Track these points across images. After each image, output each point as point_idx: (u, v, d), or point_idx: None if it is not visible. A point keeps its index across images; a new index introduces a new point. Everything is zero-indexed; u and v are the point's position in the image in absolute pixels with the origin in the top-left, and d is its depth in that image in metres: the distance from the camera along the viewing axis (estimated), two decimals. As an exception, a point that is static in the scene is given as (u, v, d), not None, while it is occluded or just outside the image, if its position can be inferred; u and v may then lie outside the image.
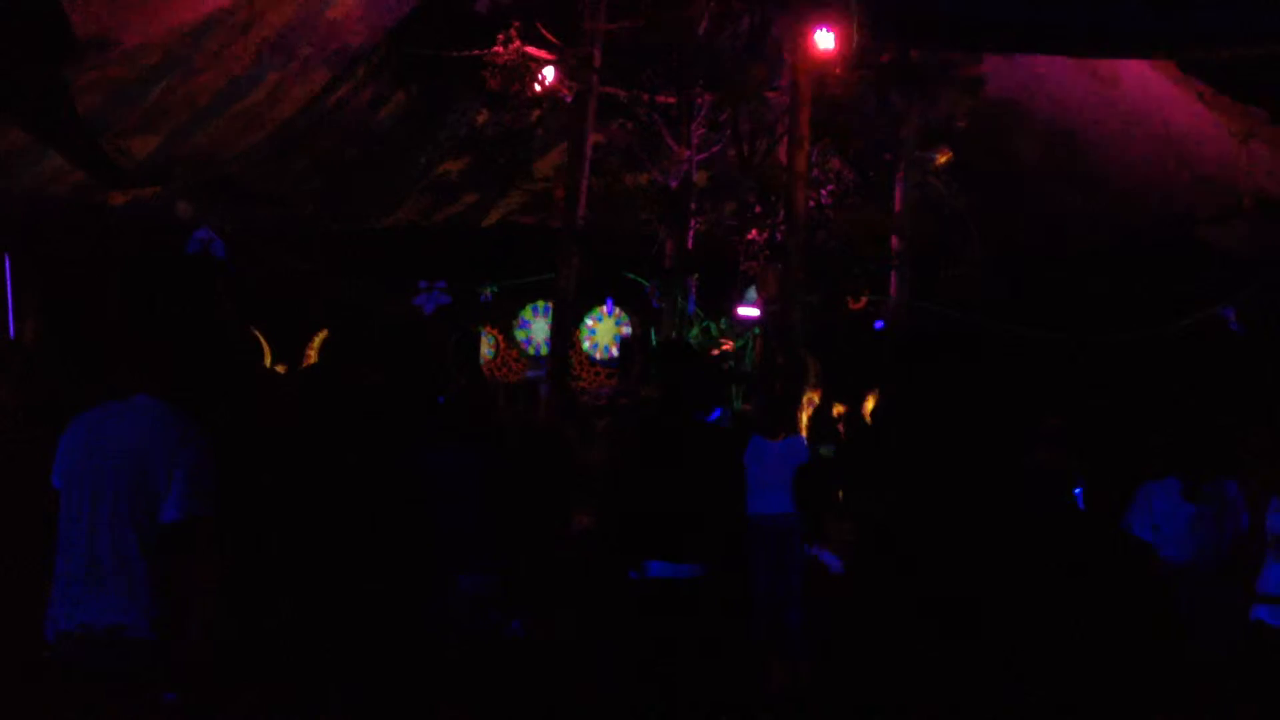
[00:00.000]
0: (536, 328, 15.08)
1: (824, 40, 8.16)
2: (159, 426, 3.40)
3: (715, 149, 10.25)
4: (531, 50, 9.50)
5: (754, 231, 9.95)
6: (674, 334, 9.79)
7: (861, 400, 9.68)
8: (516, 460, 5.63)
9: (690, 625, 4.05)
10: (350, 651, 4.94)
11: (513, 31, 9.40)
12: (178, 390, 3.57)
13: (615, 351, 14.65)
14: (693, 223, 10.01)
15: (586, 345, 14.89)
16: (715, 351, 9.63)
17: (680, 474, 4.25)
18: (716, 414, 7.70)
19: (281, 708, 4.35)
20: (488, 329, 15.03)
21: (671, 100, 9.88)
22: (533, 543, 5.30)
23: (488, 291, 11.00)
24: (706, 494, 4.20)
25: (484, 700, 5.08)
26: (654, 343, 10.11)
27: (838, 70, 8.88)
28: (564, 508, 5.64)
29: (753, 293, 9.91)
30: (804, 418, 7.84)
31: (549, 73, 9.56)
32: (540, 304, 14.73)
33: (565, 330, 10.39)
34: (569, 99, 9.86)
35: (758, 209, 9.92)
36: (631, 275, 10.30)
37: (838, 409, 10.97)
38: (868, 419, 7.73)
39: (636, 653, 4.15)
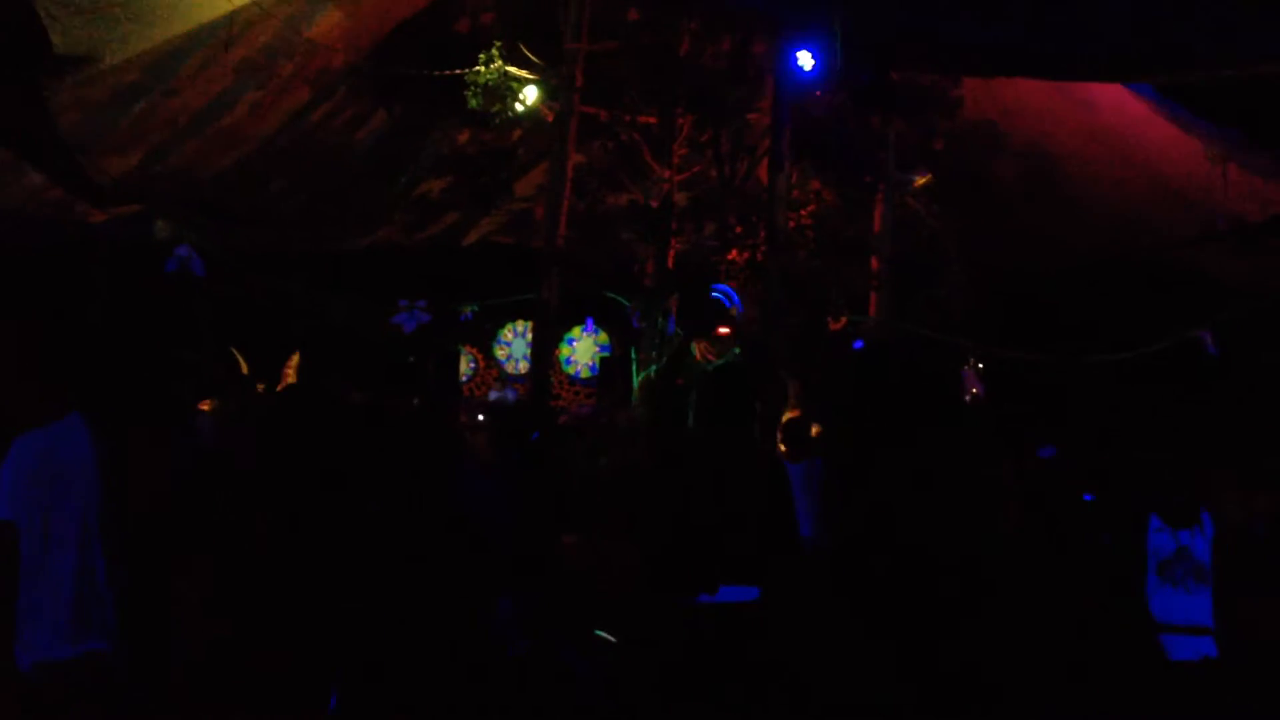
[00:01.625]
0: (516, 347, 15.09)
1: (805, 61, 8.21)
2: (95, 447, 3.33)
3: (696, 169, 10.28)
4: (513, 70, 9.52)
5: (734, 252, 9.98)
6: (654, 354, 9.79)
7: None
8: (512, 481, 5.62)
9: (756, 648, 4.01)
10: (381, 675, 4.91)
11: (494, 51, 9.42)
12: (109, 409, 3.49)
13: (595, 370, 14.66)
14: (673, 243, 10.03)
15: (566, 365, 14.90)
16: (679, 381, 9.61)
17: (740, 494, 4.21)
18: None
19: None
20: (467, 348, 15.03)
21: (653, 121, 9.92)
22: (538, 564, 5.29)
23: (468, 310, 10.97)
24: (766, 514, 4.16)
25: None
26: (634, 363, 10.12)
27: (818, 92, 8.94)
28: (556, 528, 5.63)
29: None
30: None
31: (530, 93, 9.58)
32: (520, 323, 14.74)
33: (545, 350, 10.38)
34: (550, 119, 9.88)
35: (738, 229, 9.96)
36: (612, 295, 10.30)
37: (815, 429, 10.98)
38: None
39: (698, 677, 4.10)
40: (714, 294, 9.07)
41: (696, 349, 8.93)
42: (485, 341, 15.31)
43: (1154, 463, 4.82)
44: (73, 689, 3.26)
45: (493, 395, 12.03)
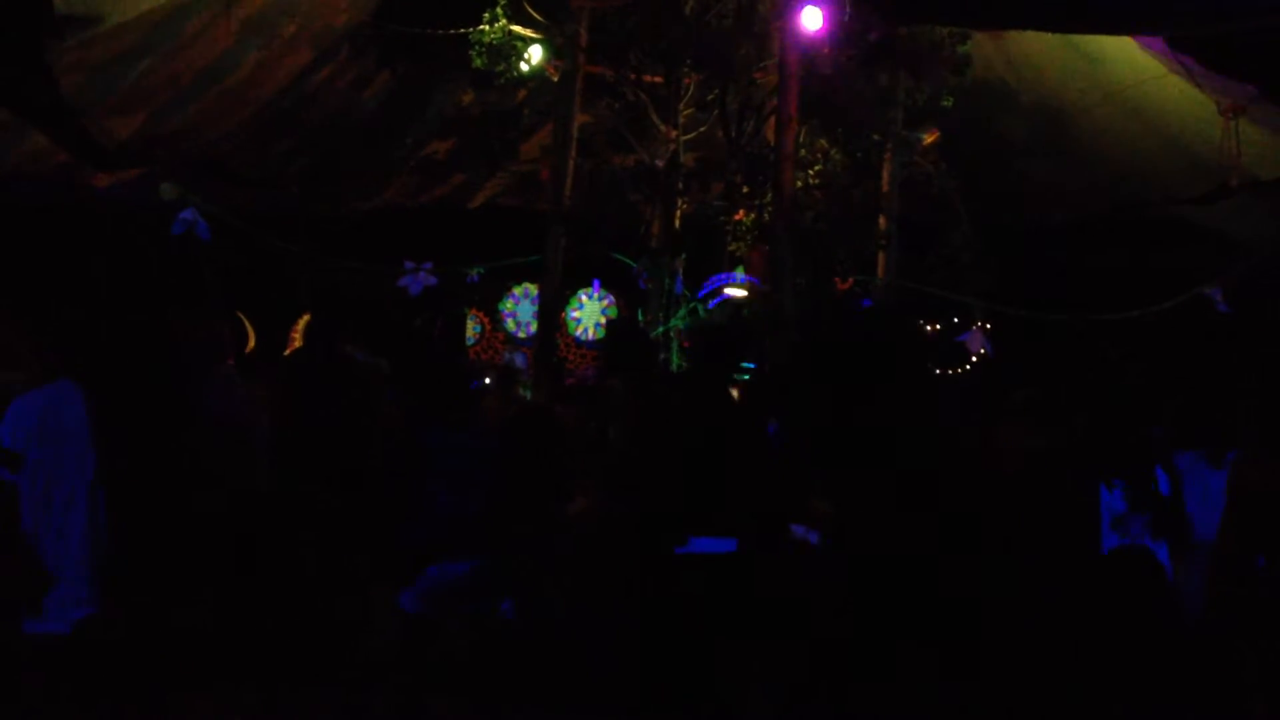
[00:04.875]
0: (523, 309, 15.05)
1: (812, 18, 8.12)
2: (89, 410, 3.31)
3: (703, 129, 10.20)
4: (518, 29, 9.45)
5: (741, 212, 9.92)
6: (661, 315, 9.75)
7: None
8: (510, 442, 5.61)
9: (732, 601, 4.01)
10: (340, 636, 4.91)
11: (499, 10, 9.34)
12: (108, 372, 3.47)
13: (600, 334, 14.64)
14: (680, 203, 9.97)
15: (573, 327, 14.88)
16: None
17: (714, 450, 4.21)
18: None
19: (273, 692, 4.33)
20: (473, 311, 15.01)
21: (659, 80, 9.83)
22: (529, 525, 5.29)
23: (474, 273, 10.94)
24: (742, 468, 4.16)
25: (478, 685, 5.06)
26: (640, 324, 10.08)
27: (826, 49, 8.85)
28: (558, 489, 5.61)
29: (740, 273, 9.89)
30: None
31: (535, 52, 9.50)
32: (526, 286, 14.70)
33: (551, 312, 10.35)
34: (555, 79, 9.81)
35: (745, 189, 9.89)
36: (618, 256, 10.25)
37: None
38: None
39: (672, 628, 4.11)
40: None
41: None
42: (492, 304, 15.29)
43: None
44: (85, 652, 3.26)
45: (505, 357, 12.05)
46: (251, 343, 7.28)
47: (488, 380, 9.93)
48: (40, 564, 3.28)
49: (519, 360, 11.34)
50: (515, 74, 9.60)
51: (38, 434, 3.33)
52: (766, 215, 9.33)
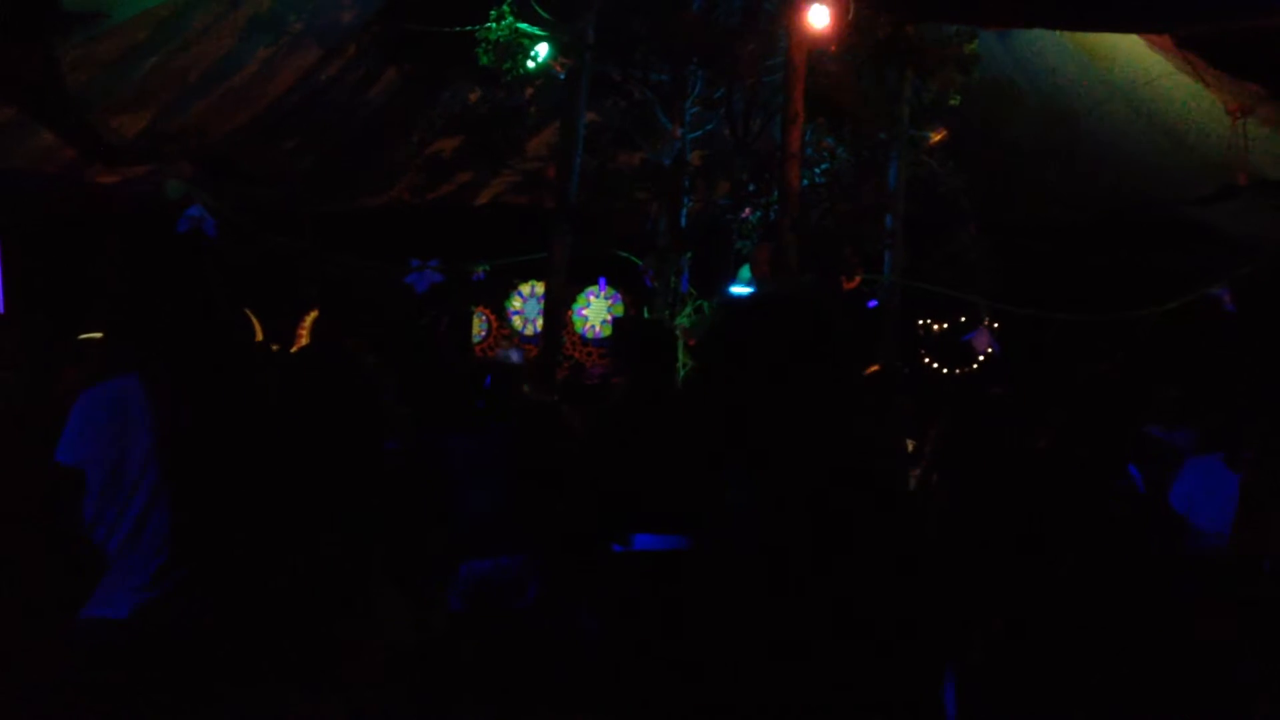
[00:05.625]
0: (529, 307, 15.07)
1: (819, 16, 8.11)
2: (151, 401, 3.36)
3: (709, 127, 10.20)
4: (524, 27, 9.44)
5: (747, 210, 9.92)
6: (667, 313, 9.76)
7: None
8: (525, 440, 5.62)
9: (677, 597, 4.01)
10: (364, 636, 4.93)
11: (505, 7, 9.34)
12: (176, 366, 3.53)
13: (606, 331, 14.64)
14: (686, 201, 9.96)
15: (579, 324, 14.89)
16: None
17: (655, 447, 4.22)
18: None
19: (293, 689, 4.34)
20: (480, 309, 15.03)
21: (665, 78, 9.83)
22: (548, 523, 5.30)
23: (480, 271, 10.94)
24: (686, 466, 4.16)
25: (501, 681, 5.07)
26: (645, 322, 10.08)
27: (832, 47, 8.83)
28: (561, 487, 5.62)
29: (746, 272, 9.88)
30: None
31: (542, 49, 9.50)
32: (533, 283, 14.71)
33: (557, 309, 10.36)
34: (562, 76, 9.81)
35: (751, 187, 9.89)
36: (624, 254, 10.26)
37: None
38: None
39: (627, 626, 4.12)
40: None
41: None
42: (498, 302, 15.31)
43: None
44: (141, 638, 3.28)
45: (498, 354, 12.01)
46: (259, 339, 7.29)
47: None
48: (97, 552, 3.32)
49: (515, 356, 11.33)
50: (522, 72, 9.59)
51: (107, 426, 3.37)
52: (772, 213, 9.33)
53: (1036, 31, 9.73)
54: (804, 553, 2.01)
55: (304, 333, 10.33)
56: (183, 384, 3.47)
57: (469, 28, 9.47)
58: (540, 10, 9.48)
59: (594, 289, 14.82)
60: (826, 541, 2.00)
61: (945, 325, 15.78)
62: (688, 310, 9.74)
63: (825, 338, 2.08)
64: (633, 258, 10.12)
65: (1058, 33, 9.56)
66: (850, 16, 8.25)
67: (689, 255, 9.93)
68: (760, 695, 2.01)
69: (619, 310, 14.67)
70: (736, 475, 2.15)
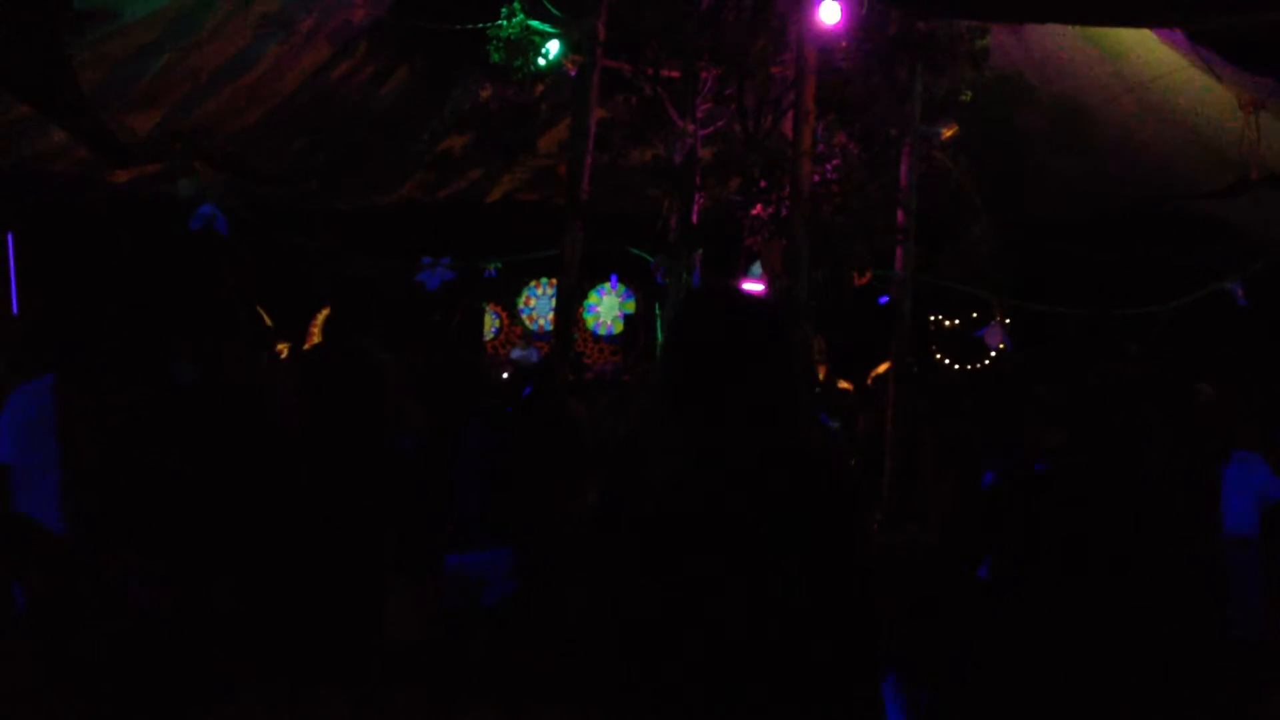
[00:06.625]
0: (540, 304, 15.08)
1: (829, 12, 8.10)
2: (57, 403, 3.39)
3: (720, 124, 10.18)
4: (535, 24, 9.44)
5: (759, 207, 9.89)
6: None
7: (868, 374, 9.63)
8: (526, 437, 5.64)
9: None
10: (353, 630, 4.93)
11: (515, 4, 9.34)
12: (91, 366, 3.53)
13: (618, 328, 14.64)
14: (697, 198, 9.95)
15: (590, 321, 14.90)
16: None
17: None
18: None
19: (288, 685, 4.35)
20: (492, 306, 15.04)
21: (676, 75, 9.81)
22: (544, 518, 5.31)
23: (492, 268, 10.95)
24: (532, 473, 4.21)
25: (494, 674, 5.08)
26: (658, 319, 10.08)
27: (843, 42, 8.82)
28: (574, 483, 5.64)
29: (757, 268, 9.86)
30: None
31: (553, 46, 9.50)
32: (544, 280, 14.73)
33: (569, 306, 10.36)
34: (573, 73, 9.80)
35: (762, 184, 9.85)
36: (636, 251, 10.25)
37: (843, 384, 10.93)
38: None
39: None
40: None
41: None
42: (509, 299, 15.32)
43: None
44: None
45: (515, 354, 12.04)
46: (270, 336, 7.32)
47: (505, 376, 9.93)
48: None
49: (533, 356, 11.32)
50: (533, 69, 9.59)
51: (29, 421, 3.43)
52: (784, 209, 9.31)
53: (1048, 26, 9.69)
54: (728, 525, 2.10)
55: (315, 330, 10.35)
56: (110, 388, 3.48)
57: (480, 25, 9.48)
58: (551, 7, 9.48)
59: (605, 286, 14.82)
60: (749, 515, 2.08)
61: (957, 321, 15.76)
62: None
63: (743, 329, 2.26)
64: (644, 254, 10.11)
65: (1069, 27, 9.51)
66: (861, 13, 8.23)
67: (700, 252, 9.91)
68: (693, 671, 2.07)
69: (630, 307, 14.67)
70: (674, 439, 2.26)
